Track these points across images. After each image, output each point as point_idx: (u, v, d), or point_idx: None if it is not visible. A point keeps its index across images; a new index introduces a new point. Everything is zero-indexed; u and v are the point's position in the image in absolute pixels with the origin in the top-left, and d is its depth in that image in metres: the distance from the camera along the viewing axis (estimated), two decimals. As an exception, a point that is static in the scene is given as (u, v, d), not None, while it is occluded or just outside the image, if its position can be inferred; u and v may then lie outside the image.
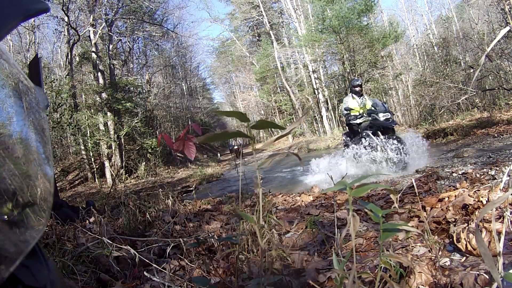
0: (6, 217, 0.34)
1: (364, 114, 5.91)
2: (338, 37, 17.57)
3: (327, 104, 20.12)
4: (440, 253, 1.27)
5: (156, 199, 3.36)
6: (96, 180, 13.89)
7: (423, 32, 24.74)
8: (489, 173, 3.09)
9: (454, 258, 1.20)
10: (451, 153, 5.98)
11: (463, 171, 3.62)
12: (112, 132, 14.39)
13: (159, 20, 18.88)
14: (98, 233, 1.86)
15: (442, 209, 1.67)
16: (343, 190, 0.71)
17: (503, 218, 1.17)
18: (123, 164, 14.40)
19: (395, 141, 5.34)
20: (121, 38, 16.61)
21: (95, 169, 14.26)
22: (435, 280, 0.98)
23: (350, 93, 6.33)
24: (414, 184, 1.42)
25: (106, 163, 14.10)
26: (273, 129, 0.76)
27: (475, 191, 1.67)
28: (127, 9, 16.04)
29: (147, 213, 2.42)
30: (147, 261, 1.46)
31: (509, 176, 1.28)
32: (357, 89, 6.18)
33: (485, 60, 11.44)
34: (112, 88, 15.01)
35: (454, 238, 1.31)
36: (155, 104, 19.64)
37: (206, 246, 1.73)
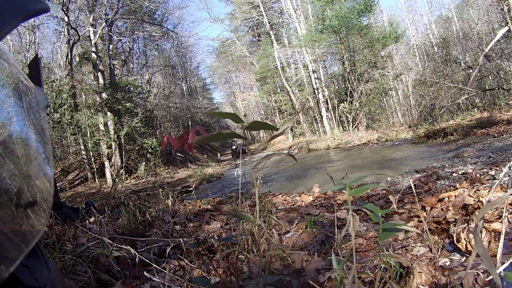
0: (6, 217, 0.34)
1: None
2: (338, 37, 17.57)
3: (327, 104, 20.12)
4: (440, 253, 1.27)
5: (156, 199, 3.36)
6: (96, 180, 13.88)
7: (423, 32, 24.76)
8: (489, 173, 3.09)
9: (454, 258, 1.20)
10: (451, 153, 5.99)
11: (463, 171, 3.62)
12: (112, 132, 14.39)
13: (159, 20, 18.89)
14: (98, 233, 1.86)
15: (442, 209, 1.67)
16: (342, 190, 0.71)
17: (503, 218, 1.17)
18: (123, 164, 14.40)
19: None
20: (121, 38, 16.61)
21: (95, 169, 14.25)
22: (435, 280, 0.98)
23: None
24: (412, 185, 1.42)
25: (106, 163, 14.10)
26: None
27: (475, 191, 1.67)
28: (127, 9, 16.04)
29: (147, 213, 2.42)
30: (147, 261, 1.46)
31: (508, 176, 1.28)
32: None
33: (484, 61, 11.44)
34: (112, 88, 15.01)
35: (454, 238, 1.31)
36: (155, 104, 19.64)
37: (206, 246, 1.73)
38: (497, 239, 1.19)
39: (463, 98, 11.53)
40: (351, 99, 17.81)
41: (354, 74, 17.53)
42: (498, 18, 13.52)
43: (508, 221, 1.23)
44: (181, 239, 1.71)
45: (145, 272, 1.33)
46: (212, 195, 5.06)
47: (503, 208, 1.16)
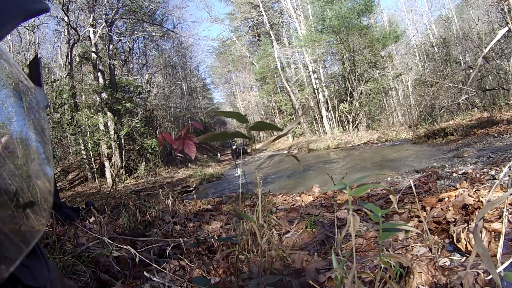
0: (6, 217, 0.34)
1: None
2: (338, 37, 17.58)
3: (327, 104, 20.12)
4: (440, 253, 1.27)
5: (156, 199, 3.36)
6: (96, 180, 13.88)
7: (423, 32, 24.77)
8: (489, 173, 3.09)
9: (454, 258, 1.20)
10: (451, 153, 5.98)
11: (463, 171, 3.62)
12: (112, 132, 14.39)
13: (159, 20, 18.90)
14: (98, 233, 1.86)
15: (442, 209, 1.67)
16: (342, 190, 0.71)
17: (503, 218, 1.17)
18: (123, 164, 14.40)
19: None
20: (121, 38, 16.61)
21: (95, 169, 14.25)
22: (435, 280, 0.98)
23: None
24: (412, 185, 1.42)
25: (106, 163, 14.10)
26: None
27: (475, 191, 1.67)
28: (127, 9, 16.04)
29: (147, 213, 2.42)
30: (147, 261, 1.46)
31: (508, 176, 1.28)
32: None
33: (483, 62, 11.44)
34: (112, 88, 15.01)
35: (454, 238, 1.31)
36: (155, 104, 19.64)
37: (206, 246, 1.73)
38: (497, 239, 1.19)
39: (463, 98, 11.53)
40: (351, 99, 17.81)
41: (354, 74, 17.53)
42: (498, 18, 13.52)
43: (508, 221, 1.23)
44: (181, 239, 1.71)
45: (145, 272, 1.33)
46: (212, 195, 5.07)
47: (503, 208, 1.16)
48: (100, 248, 1.58)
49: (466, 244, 1.24)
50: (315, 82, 20.47)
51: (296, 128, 22.56)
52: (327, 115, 20.14)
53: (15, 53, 15.88)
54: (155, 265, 1.36)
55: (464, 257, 1.20)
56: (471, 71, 12.43)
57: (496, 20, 14.04)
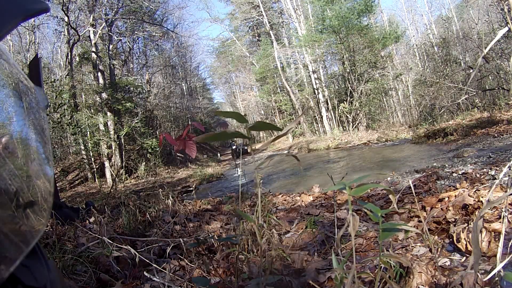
0: (6, 217, 0.34)
1: None
2: (338, 37, 17.57)
3: (327, 104, 20.12)
4: (440, 253, 1.27)
5: (156, 199, 3.36)
6: (96, 180, 13.88)
7: (423, 32, 24.76)
8: (489, 173, 3.08)
9: (454, 258, 1.20)
10: (451, 153, 5.98)
11: (463, 171, 3.62)
12: (112, 132, 14.39)
13: (159, 20, 18.90)
14: (98, 233, 1.86)
15: (442, 209, 1.67)
16: (342, 190, 0.71)
17: (503, 218, 1.17)
18: (123, 164, 14.40)
19: None
20: (121, 38, 16.61)
21: (95, 169, 14.25)
22: (435, 280, 0.98)
23: None
24: (412, 185, 1.42)
25: (106, 163, 14.10)
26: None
27: (475, 191, 1.67)
28: (127, 9, 16.04)
29: (147, 213, 2.43)
30: (147, 261, 1.46)
31: (508, 176, 1.28)
32: None
33: (483, 62, 11.43)
34: (112, 88, 15.01)
35: (454, 238, 1.31)
36: (155, 104, 19.64)
37: (206, 246, 1.73)
38: (497, 239, 1.19)
39: (463, 98, 11.54)
40: (351, 99, 17.81)
41: (354, 74, 17.53)
42: (498, 18, 13.52)
43: (508, 221, 1.23)
44: (181, 239, 1.71)
45: (145, 272, 1.33)
46: (212, 195, 5.06)
47: (503, 208, 1.16)
48: (100, 248, 1.58)
49: (466, 244, 1.24)
50: (315, 82, 20.47)
51: (296, 128, 22.56)
52: (327, 115, 20.13)
53: (15, 53, 15.88)
54: (155, 265, 1.36)
55: (464, 257, 1.20)
56: (471, 71, 12.44)
57: (496, 20, 14.03)
